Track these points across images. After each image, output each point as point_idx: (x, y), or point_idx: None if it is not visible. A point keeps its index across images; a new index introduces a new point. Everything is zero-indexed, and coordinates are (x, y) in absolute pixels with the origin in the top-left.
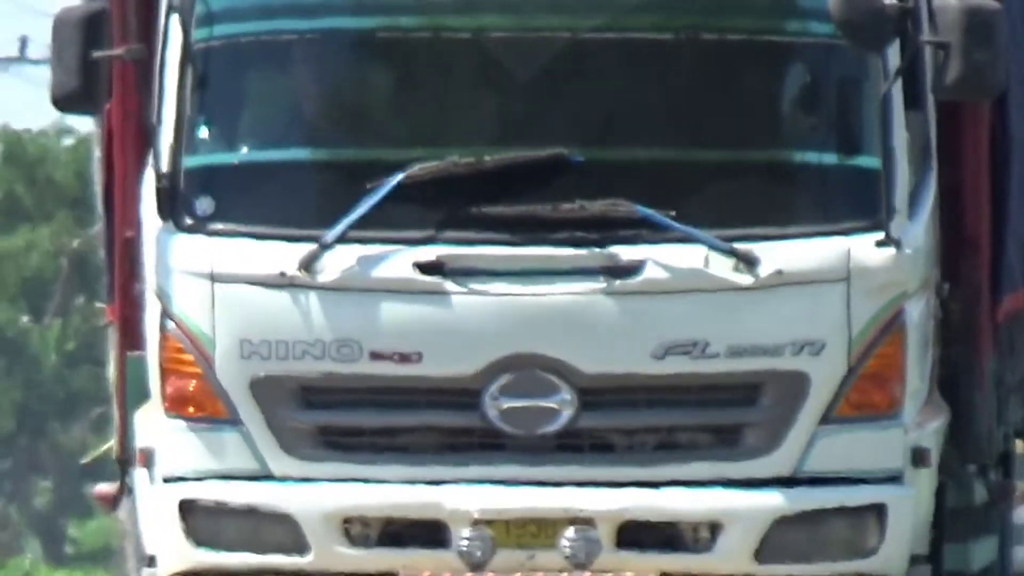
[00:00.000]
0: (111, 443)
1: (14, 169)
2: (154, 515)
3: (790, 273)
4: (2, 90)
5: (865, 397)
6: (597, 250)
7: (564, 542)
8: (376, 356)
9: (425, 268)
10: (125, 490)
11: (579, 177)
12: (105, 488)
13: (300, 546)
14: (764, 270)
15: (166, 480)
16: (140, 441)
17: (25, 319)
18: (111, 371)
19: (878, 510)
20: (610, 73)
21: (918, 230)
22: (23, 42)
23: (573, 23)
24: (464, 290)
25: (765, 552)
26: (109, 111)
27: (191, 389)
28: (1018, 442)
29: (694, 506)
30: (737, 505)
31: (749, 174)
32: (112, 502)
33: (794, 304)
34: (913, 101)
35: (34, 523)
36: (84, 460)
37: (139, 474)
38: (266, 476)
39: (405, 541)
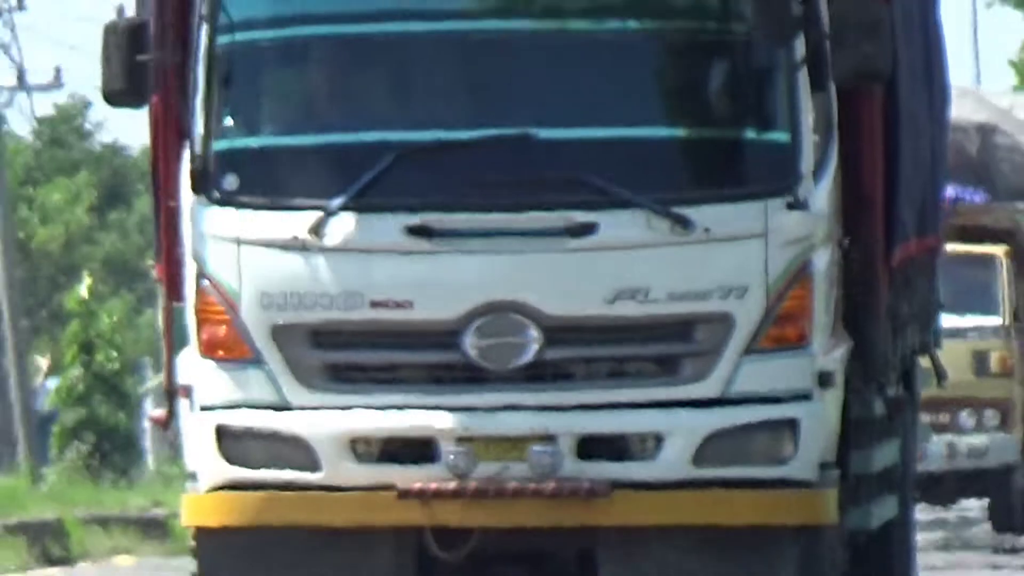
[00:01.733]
0: (160, 377)
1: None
2: (194, 438)
3: (717, 231)
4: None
5: (780, 332)
6: (558, 214)
7: (532, 456)
8: (376, 304)
9: (414, 231)
10: (172, 415)
11: (543, 153)
12: (158, 413)
13: (313, 464)
14: (696, 229)
15: (203, 409)
16: (182, 378)
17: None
18: (159, 319)
19: (791, 424)
20: (570, 68)
21: (822, 193)
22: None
23: (532, 26)
24: (447, 248)
25: (700, 460)
26: (155, 103)
27: (222, 335)
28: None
29: (641, 423)
30: (677, 422)
31: (682, 149)
32: (164, 424)
33: (721, 257)
34: (817, 84)
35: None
36: (141, 389)
37: (182, 404)
38: (285, 406)
39: (401, 458)
